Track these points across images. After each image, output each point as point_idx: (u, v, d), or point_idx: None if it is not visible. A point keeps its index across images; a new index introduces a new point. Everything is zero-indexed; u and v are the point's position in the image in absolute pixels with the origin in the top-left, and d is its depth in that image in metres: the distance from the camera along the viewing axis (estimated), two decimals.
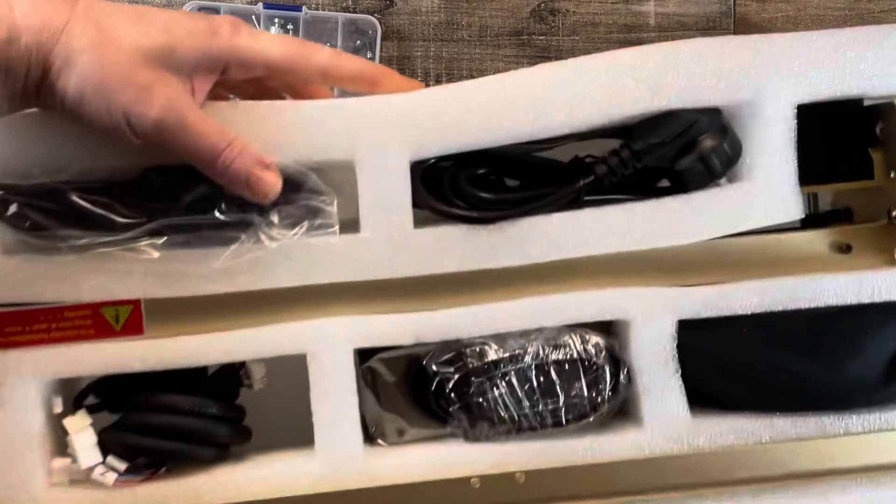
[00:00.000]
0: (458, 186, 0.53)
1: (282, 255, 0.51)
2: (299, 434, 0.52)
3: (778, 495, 0.52)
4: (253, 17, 0.66)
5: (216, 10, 0.65)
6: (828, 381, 0.54)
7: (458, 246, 0.51)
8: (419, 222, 0.52)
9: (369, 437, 0.54)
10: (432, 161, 0.53)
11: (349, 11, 0.68)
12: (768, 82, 0.53)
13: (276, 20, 0.66)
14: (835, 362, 0.54)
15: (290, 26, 0.67)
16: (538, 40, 0.68)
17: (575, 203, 0.53)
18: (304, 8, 0.66)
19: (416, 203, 0.52)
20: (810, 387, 0.54)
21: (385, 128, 0.51)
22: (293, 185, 0.50)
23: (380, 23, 0.67)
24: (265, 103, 0.51)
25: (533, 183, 0.55)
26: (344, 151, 0.51)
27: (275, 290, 0.52)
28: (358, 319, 0.52)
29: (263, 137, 0.50)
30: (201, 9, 0.65)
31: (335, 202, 0.50)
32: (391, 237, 0.51)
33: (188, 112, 0.44)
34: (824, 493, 0.52)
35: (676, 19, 0.67)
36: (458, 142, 0.52)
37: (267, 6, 0.66)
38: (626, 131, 0.54)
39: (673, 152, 0.53)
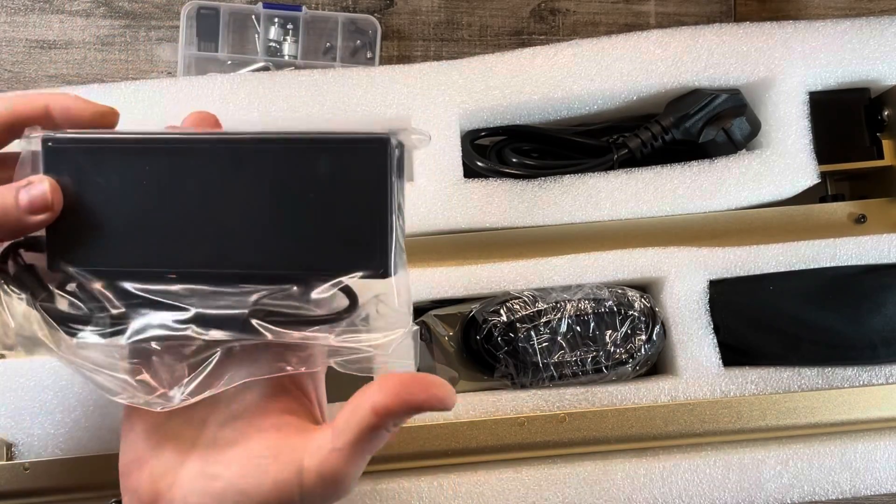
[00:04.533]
0: (504, 155, 0.58)
1: None
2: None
3: (805, 443, 0.55)
4: (253, 16, 0.67)
5: (216, 10, 0.66)
6: (852, 336, 0.57)
7: (503, 198, 0.57)
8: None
9: None
10: (482, 135, 0.58)
11: (349, 11, 0.68)
12: (782, 62, 0.58)
13: (276, 20, 0.67)
14: (857, 318, 0.57)
15: (289, 26, 0.67)
16: (538, 40, 0.69)
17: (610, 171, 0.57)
18: (304, 7, 0.67)
19: (467, 163, 0.58)
20: (835, 340, 0.57)
21: (437, 87, 0.58)
22: None
23: (380, 22, 0.67)
24: (333, 71, 0.57)
25: (573, 159, 0.59)
26: (401, 108, 0.58)
27: None
28: (414, 271, 0.56)
29: (332, 99, 0.56)
30: (201, 9, 0.66)
31: None
32: (443, 186, 0.56)
33: None
34: (850, 442, 0.56)
35: (677, 19, 0.69)
36: (500, 102, 0.58)
37: (267, 6, 0.66)
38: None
39: (698, 125, 0.58)
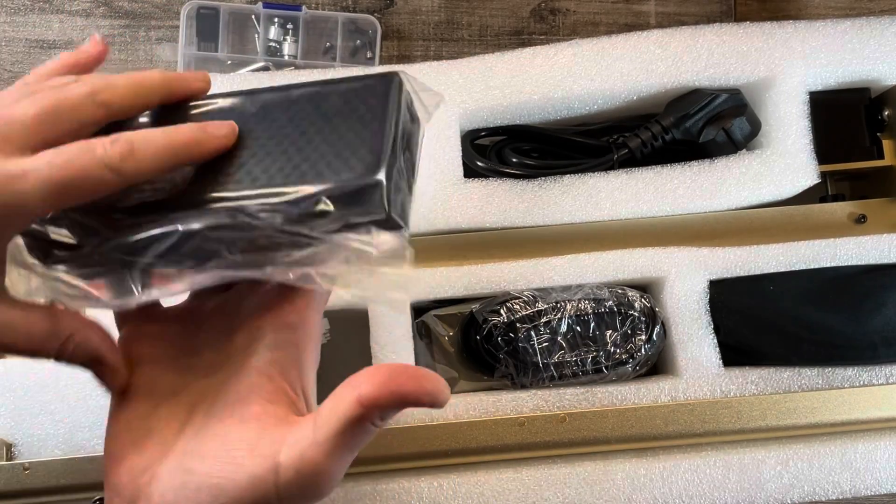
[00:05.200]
0: (504, 155, 0.58)
1: None
2: None
3: (805, 443, 0.55)
4: (253, 16, 0.67)
5: (216, 10, 0.66)
6: (852, 336, 0.57)
7: (503, 198, 0.57)
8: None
9: None
10: (482, 135, 0.58)
11: (349, 11, 0.68)
12: (782, 62, 0.58)
13: (276, 20, 0.67)
14: (858, 318, 0.57)
15: (289, 26, 0.67)
16: (538, 40, 0.69)
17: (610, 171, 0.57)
18: (303, 7, 0.67)
19: (467, 163, 0.58)
20: (835, 340, 0.57)
21: (437, 87, 0.56)
22: None
23: (380, 22, 0.68)
24: (333, 71, 0.57)
25: (573, 159, 0.59)
26: None
27: None
28: (414, 272, 0.55)
29: None
30: (201, 9, 0.66)
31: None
32: (443, 186, 0.56)
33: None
34: (850, 442, 0.55)
35: (677, 19, 0.69)
36: (500, 101, 0.58)
37: (267, 6, 0.67)
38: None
39: (699, 125, 0.58)
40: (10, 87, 0.36)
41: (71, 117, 0.34)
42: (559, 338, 0.55)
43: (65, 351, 0.35)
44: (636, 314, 0.56)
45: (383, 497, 0.53)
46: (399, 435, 0.53)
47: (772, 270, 0.57)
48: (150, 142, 0.34)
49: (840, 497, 0.54)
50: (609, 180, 0.57)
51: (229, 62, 0.66)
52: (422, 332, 0.57)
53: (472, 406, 0.55)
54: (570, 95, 0.58)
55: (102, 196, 0.34)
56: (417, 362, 0.56)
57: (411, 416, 0.54)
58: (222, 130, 0.36)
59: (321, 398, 0.56)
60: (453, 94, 0.57)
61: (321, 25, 0.68)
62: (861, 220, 0.59)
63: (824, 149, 0.59)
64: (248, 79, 0.58)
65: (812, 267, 0.57)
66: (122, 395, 0.37)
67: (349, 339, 0.59)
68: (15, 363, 0.55)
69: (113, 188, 0.34)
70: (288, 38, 0.67)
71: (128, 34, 0.67)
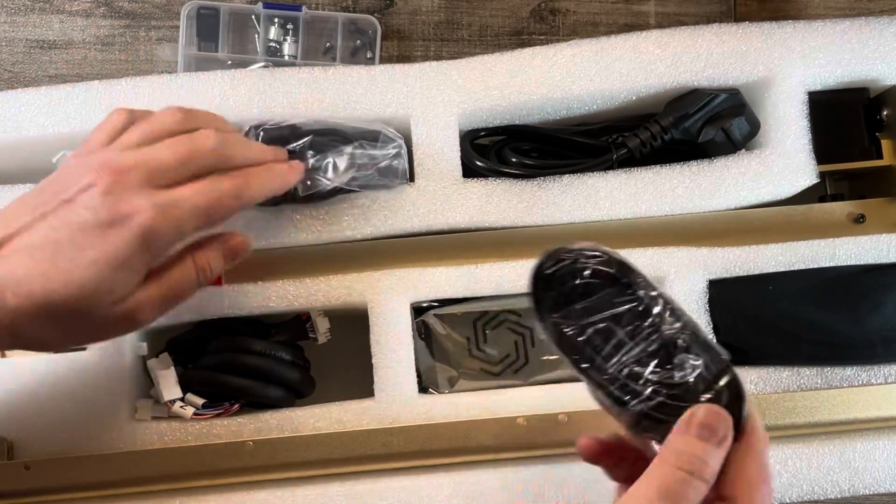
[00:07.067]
0: (504, 155, 0.58)
1: (346, 206, 0.56)
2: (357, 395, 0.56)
3: (804, 443, 0.56)
4: (253, 16, 0.67)
5: (216, 10, 0.66)
6: (851, 336, 0.57)
7: (502, 198, 0.57)
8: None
9: (422, 388, 0.57)
10: (482, 135, 0.58)
11: (349, 11, 0.68)
12: (781, 62, 0.58)
13: (276, 20, 0.67)
14: (857, 318, 0.57)
15: (289, 26, 0.67)
16: (538, 40, 0.69)
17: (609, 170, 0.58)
18: (303, 8, 0.67)
19: (466, 162, 0.58)
20: (834, 340, 0.57)
21: (437, 87, 0.58)
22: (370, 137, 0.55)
23: (380, 22, 0.68)
24: (333, 69, 0.57)
25: (572, 159, 0.59)
26: (401, 107, 0.58)
27: (339, 246, 0.56)
28: (414, 271, 0.56)
29: (331, 97, 0.57)
30: (201, 9, 0.66)
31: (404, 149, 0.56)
32: (443, 186, 0.57)
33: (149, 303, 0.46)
34: (849, 442, 0.56)
35: (676, 19, 0.69)
36: (500, 102, 0.58)
37: (267, 6, 0.67)
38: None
39: (698, 125, 0.58)
40: (126, 131, 0.46)
41: (200, 164, 0.46)
42: None
43: None
44: None
45: (383, 496, 0.53)
46: (399, 434, 0.53)
47: (771, 270, 0.57)
48: (257, 175, 0.48)
49: (839, 496, 0.55)
50: (608, 180, 0.57)
51: (229, 62, 0.67)
52: (422, 332, 0.58)
53: (472, 406, 0.55)
54: (570, 96, 0.58)
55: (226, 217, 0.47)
56: (417, 362, 0.57)
57: (411, 417, 0.54)
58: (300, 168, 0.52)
59: (321, 398, 0.57)
60: (453, 94, 0.57)
61: (321, 26, 0.68)
62: (860, 219, 0.59)
63: (823, 149, 0.59)
64: (248, 75, 0.58)
65: (811, 267, 0.57)
66: None
67: (349, 339, 0.60)
68: (16, 362, 0.55)
69: (235, 211, 0.47)
70: (288, 38, 0.67)
71: (128, 34, 0.68)
